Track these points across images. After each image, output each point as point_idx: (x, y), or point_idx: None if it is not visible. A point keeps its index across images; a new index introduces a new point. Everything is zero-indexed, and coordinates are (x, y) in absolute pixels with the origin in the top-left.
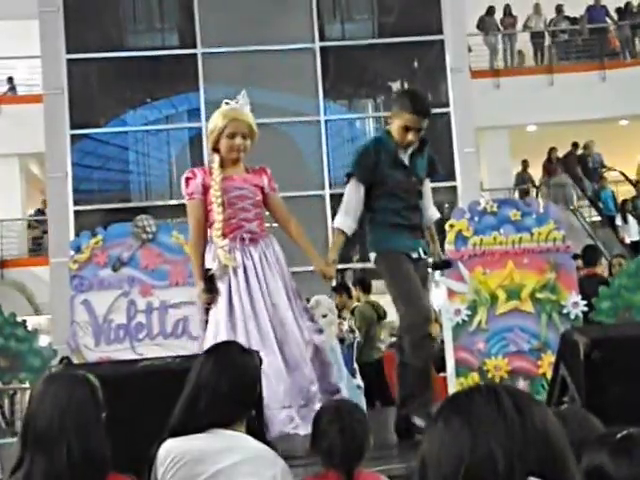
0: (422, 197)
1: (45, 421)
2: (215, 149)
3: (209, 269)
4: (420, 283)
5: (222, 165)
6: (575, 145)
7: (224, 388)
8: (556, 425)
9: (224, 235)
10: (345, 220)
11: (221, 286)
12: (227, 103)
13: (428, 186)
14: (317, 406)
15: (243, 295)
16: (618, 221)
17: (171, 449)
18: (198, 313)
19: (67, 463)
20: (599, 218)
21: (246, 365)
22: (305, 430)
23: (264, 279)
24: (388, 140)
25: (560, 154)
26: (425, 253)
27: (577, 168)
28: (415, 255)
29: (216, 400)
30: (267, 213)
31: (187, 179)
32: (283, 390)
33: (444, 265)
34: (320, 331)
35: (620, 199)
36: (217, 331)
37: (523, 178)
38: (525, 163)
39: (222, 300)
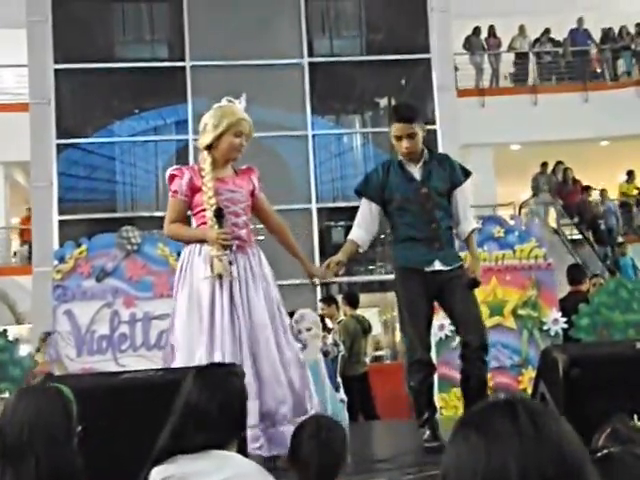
0: (446, 208)
1: (14, 435)
2: (208, 147)
3: (219, 208)
4: (423, 305)
5: (213, 166)
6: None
7: (213, 413)
8: (573, 438)
9: (223, 246)
10: (354, 230)
11: (204, 294)
12: (230, 101)
13: (460, 196)
14: (284, 428)
15: (225, 306)
16: None
17: (162, 472)
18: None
19: (35, 478)
20: (580, 236)
21: (234, 388)
22: (269, 452)
23: (246, 292)
24: (395, 158)
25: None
26: (448, 264)
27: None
28: (431, 268)
29: (205, 425)
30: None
31: (172, 176)
32: (251, 408)
33: (474, 284)
34: (303, 348)
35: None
36: (193, 340)
37: (538, 183)
38: (544, 166)
39: (204, 309)
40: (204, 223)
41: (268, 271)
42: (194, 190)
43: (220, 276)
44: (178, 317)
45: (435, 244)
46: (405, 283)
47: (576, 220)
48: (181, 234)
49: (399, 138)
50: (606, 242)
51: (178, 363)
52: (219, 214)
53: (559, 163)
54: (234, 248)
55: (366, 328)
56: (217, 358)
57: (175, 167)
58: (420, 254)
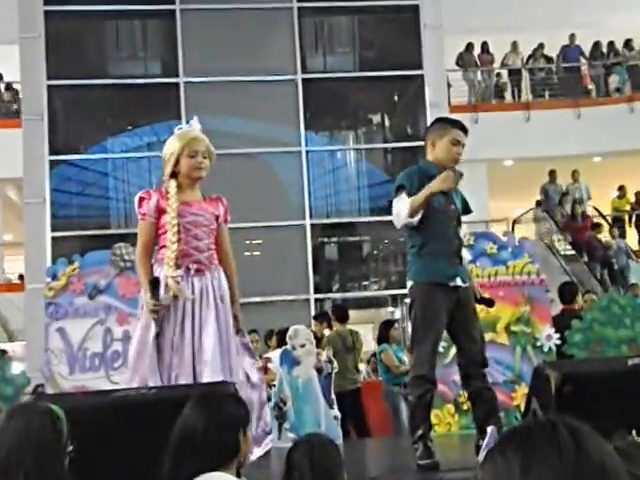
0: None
1: (3, 453)
2: (172, 175)
3: (156, 278)
4: (441, 322)
5: (179, 190)
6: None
7: (202, 436)
8: (614, 459)
9: (177, 265)
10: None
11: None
12: (180, 129)
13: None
14: None
15: (176, 327)
16: None
17: None
18: (143, 323)
19: None
20: (573, 252)
21: (234, 412)
22: None
23: (199, 315)
24: (430, 166)
25: (537, 187)
26: (464, 281)
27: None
28: (454, 283)
29: (204, 449)
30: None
31: (141, 199)
32: None
33: (491, 303)
34: (260, 369)
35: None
36: (142, 360)
37: (546, 190)
38: (553, 174)
39: (153, 332)
40: (164, 246)
41: (225, 294)
42: (160, 212)
43: (175, 297)
44: (133, 340)
45: (456, 259)
46: (427, 298)
47: (585, 259)
48: (138, 271)
49: (456, 143)
50: (618, 282)
51: (125, 383)
52: (154, 284)
53: (565, 194)
54: (192, 272)
55: (348, 344)
56: (155, 381)
57: (144, 191)
58: (445, 268)
